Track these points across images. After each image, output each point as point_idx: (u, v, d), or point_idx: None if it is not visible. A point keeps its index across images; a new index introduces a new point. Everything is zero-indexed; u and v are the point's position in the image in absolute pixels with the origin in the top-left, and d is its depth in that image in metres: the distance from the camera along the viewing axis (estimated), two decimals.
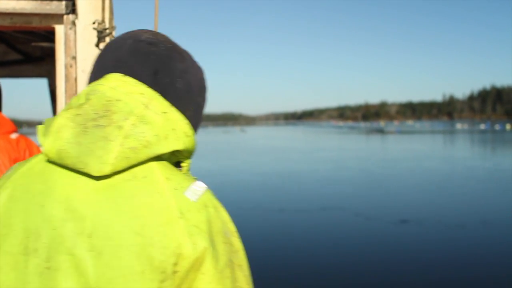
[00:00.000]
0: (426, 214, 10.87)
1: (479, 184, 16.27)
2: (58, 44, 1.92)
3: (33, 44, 2.87)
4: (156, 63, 0.89)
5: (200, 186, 0.83)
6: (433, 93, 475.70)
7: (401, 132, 72.56)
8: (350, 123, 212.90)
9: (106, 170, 0.77)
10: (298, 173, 20.35)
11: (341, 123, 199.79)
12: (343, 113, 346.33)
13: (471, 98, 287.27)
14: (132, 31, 0.95)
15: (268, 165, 24.08)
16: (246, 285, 0.82)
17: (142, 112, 0.82)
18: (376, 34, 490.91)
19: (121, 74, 0.87)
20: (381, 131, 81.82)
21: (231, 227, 0.85)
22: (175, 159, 0.92)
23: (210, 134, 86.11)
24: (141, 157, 0.80)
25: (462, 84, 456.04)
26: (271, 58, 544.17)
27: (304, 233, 9.45)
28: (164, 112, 0.85)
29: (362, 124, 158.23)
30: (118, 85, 0.85)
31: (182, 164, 0.93)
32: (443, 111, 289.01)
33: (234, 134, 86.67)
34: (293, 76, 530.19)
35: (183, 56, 0.94)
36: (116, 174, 0.80)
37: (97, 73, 0.91)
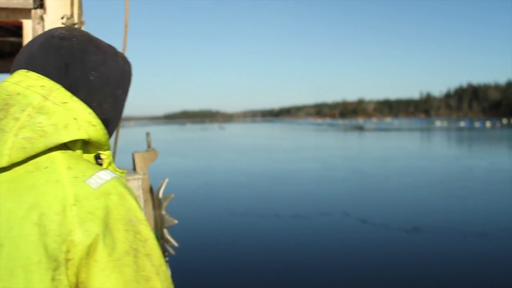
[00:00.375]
0: (430, 218, 10.19)
1: (482, 184, 15.33)
2: (25, 39, 1.89)
3: (0, 39, 2.73)
4: (67, 56, 0.89)
5: (106, 175, 0.82)
6: (410, 91, 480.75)
7: (381, 129, 71.15)
8: (328, 120, 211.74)
9: (3, 162, 0.77)
10: (286, 173, 19.18)
11: (319, 120, 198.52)
12: (321, 110, 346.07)
13: (448, 95, 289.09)
14: (51, 29, 0.95)
15: (254, 165, 22.89)
16: (154, 275, 0.81)
17: (41, 104, 0.82)
18: (353, 32, 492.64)
19: (26, 70, 0.88)
20: (361, 128, 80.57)
21: (139, 215, 0.84)
22: (94, 150, 0.92)
23: (188, 132, 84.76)
24: (39, 147, 0.79)
25: (439, 82, 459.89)
26: (247, 55, 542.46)
27: (302, 239, 8.70)
28: (64, 102, 0.84)
29: (341, 122, 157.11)
30: (21, 79, 0.85)
31: (102, 156, 0.93)
32: (420, 109, 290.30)
33: (213, 131, 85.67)
34: (270, 73, 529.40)
35: (100, 49, 0.93)
36: (17, 166, 0.79)
37: (12, 71, 0.91)
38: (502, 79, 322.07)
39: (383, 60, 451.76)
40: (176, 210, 2.91)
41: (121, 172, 0.90)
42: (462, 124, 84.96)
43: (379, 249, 7.99)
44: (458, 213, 10.88)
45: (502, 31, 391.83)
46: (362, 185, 15.41)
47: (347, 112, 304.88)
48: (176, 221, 2.30)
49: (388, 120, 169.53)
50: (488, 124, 79.01)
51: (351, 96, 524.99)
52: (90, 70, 0.90)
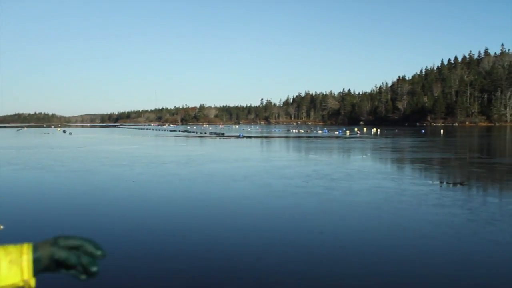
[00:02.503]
0: None
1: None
2: None
3: None
4: None
5: None
6: (251, 99, 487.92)
7: (244, 136, 63.22)
8: (172, 126, 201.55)
9: None
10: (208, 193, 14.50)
11: (165, 126, 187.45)
12: (161, 116, 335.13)
13: (287, 103, 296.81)
14: None
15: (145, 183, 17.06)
16: None
17: None
18: (193, 39, 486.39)
19: None
20: (222, 134, 72.16)
21: None
22: None
23: (29, 136, 73.57)
24: None
25: (279, 90, 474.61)
26: (82, 56, 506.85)
27: None
28: None
29: (194, 127, 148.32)
30: None
31: None
32: (260, 116, 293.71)
33: (59, 136, 74.29)
34: (107, 76, 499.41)
35: None
36: None
37: None
38: (337, 89, 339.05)
39: (223, 69, 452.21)
40: None
41: None
42: (320, 132, 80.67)
43: None
44: None
45: (334, 45, 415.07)
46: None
47: (189, 118, 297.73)
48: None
49: (234, 126, 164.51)
50: (347, 132, 75.64)
51: (192, 102, 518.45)
52: None
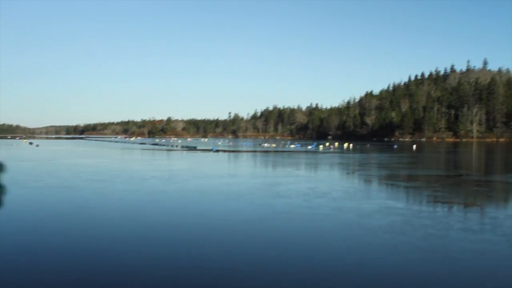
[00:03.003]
0: None
1: None
2: None
3: None
4: None
5: None
6: (219, 112, 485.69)
7: (218, 150, 61.78)
8: (139, 138, 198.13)
9: None
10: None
11: (133, 138, 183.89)
12: (128, 128, 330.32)
13: (255, 117, 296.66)
14: None
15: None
16: None
17: None
18: (157, 55, 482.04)
19: None
20: (194, 148, 70.39)
21: None
22: None
23: None
24: None
25: (247, 104, 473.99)
26: (48, 67, 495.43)
27: None
28: None
29: (163, 140, 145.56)
30: None
31: None
32: (228, 129, 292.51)
33: (26, 148, 71.22)
34: (73, 88, 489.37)
35: None
36: None
37: None
38: (305, 104, 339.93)
39: (189, 84, 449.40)
40: None
41: None
42: (293, 146, 79.85)
43: None
44: None
45: (303, 60, 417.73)
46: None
47: (156, 130, 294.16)
48: None
49: (203, 140, 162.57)
50: (320, 147, 75.04)
51: (159, 115, 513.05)
52: None
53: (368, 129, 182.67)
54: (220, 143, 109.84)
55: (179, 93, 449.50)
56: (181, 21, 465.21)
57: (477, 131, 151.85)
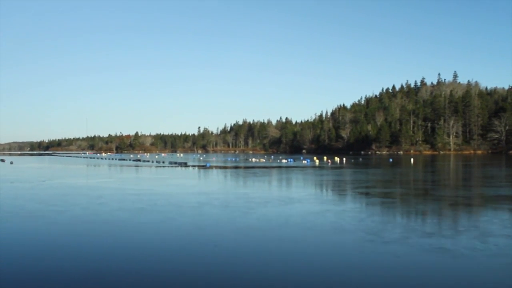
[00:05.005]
0: None
1: None
2: None
3: None
4: None
5: None
6: (187, 127, 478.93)
7: (211, 166, 57.98)
8: (110, 154, 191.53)
9: None
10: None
11: (104, 154, 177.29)
12: (94, 144, 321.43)
13: (224, 131, 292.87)
14: None
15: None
16: None
17: None
18: (122, 69, 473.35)
19: None
20: (185, 164, 66.16)
21: None
22: None
23: None
24: None
25: (216, 119, 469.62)
26: (6, 82, 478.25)
27: None
28: None
29: (138, 156, 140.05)
30: None
31: None
32: (198, 144, 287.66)
33: (1, 166, 65.90)
34: (36, 103, 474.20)
35: None
36: None
37: None
38: (275, 118, 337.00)
39: (159, 94, 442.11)
40: None
41: None
42: (285, 161, 76.36)
43: None
44: None
45: (271, 74, 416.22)
46: None
47: (124, 146, 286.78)
48: None
49: (178, 155, 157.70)
50: (317, 161, 72.04)
51: (126, 130, 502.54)
52: None
53: (343, 143, 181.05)
54: (202, 158, 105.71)
55: (145, 108, 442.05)
56: (145, 32, 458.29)
57: (454, 143, 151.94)
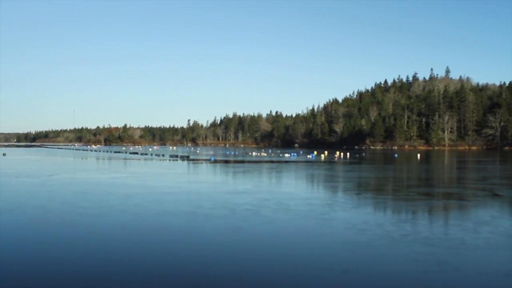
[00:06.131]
0: None
1: None
2: None
3: None
4: None
5: None
6: (176, 120, 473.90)
7: (215, 160, 56.05)
8: (100, 146, 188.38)
9: None
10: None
11: (95, 146, 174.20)
12: (81, 136, 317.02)
13: (214, 124, 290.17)
14: None
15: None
16: None
17: None
18: (111, 60, 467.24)
19: None
20: (187, 158, 64.07)
21: None
22: None
23: None
24: None
25: (206, 112, 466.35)
26: None
27: None
28: None
29: (130, 148, 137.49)
30: None
31: None
32: (187, 137, 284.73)
33: None
34: (22, 95, 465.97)
35: None
36: None
37: None
38: (265, 111, 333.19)
39: (148, 86, 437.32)
40: None
41: None
42: (287, 155, 74.56)
43: None
44: None
45: (263, 67, 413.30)
46: None
47: (113, 138, 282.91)
48: None
49: (172, 148, 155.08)
50: (322, 156, 70.23)
51: (114, 122, 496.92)
52: None
53: (337, 137, 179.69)
54: (198, 151, 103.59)
55: (134, 100, 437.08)
56: (135, 24, 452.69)
57: (449, 139, 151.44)
